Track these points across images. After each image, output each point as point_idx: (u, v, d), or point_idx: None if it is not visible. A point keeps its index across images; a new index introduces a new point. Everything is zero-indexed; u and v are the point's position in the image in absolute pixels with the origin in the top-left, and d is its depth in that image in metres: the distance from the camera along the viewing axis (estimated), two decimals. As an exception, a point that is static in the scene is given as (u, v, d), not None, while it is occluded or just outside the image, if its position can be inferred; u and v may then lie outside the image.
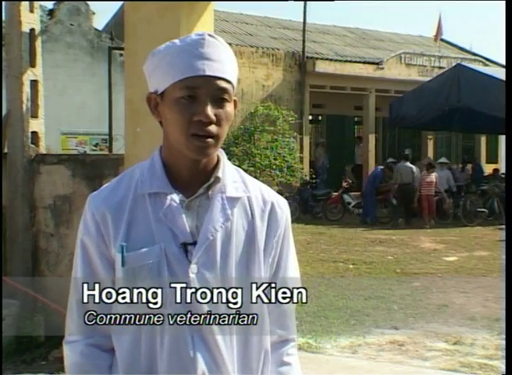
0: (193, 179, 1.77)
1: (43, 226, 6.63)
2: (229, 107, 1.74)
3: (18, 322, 6.19)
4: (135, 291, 1.70)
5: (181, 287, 1.70)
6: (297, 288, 1.86)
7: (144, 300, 1.69)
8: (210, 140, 1.71)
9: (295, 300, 1.88)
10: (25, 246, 6.65)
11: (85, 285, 1.75)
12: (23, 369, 5.75)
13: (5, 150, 6.84)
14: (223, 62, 1.72)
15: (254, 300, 1.77)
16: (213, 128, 1.70)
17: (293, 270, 1.89)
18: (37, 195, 6.67)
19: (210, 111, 1.69)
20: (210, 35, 1.73)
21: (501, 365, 5.76)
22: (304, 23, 22.71)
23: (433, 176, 17.59)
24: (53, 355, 5.91)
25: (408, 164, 18.63)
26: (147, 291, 1.69)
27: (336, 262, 11.73)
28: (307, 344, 6.64)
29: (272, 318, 1.83)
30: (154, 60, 1.77)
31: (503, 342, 5.41)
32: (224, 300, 1.72)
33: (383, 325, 7.45)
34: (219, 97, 1.71)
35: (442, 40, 27.04)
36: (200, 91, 1.69)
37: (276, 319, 1.84)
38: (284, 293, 1.84)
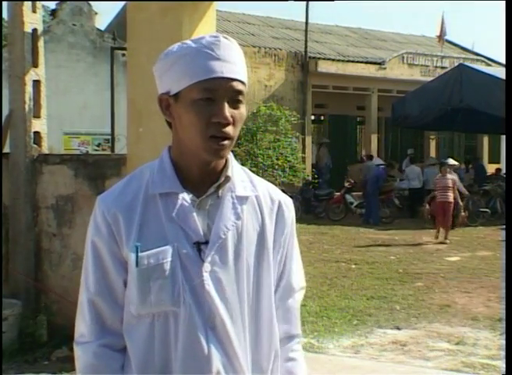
0: (203, 179, 1.79)
1: (45, 226, 6.64)
2: (243, 108, 1.76)
3: (21, 322, 6.20)
4: (148, 291, 1.71)
5: (195, 286, 1.72)
6: (301, 287, 1.94)
7: (158, 299, 1.71)
8: (226, 142, 1.72)
9: (300, 297, 1.93)
10: (27, 246, 6.65)
11: (96, 286, 1.77)
12: (25, 369, 5.75)
13: (7, 150, 6.85)
14: (237, 64, 1.74)
15: (264, 298, 1.81)
16: (230, 129, 1.72)
17: (298, 269, 1.93)
18: (40, 195, 6.68)
19: (228, 112, 1.70)
20: (224, 37, 1.75)
21: (504, 365, 5.76)
22: (307, 23, 22.73)
23: (449, 180, 14.26)
24: (56, 355, 5.92)
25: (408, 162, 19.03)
26: (160, 289, 1.71)
27: (338, 262, 11.73)
28: (310, 344, 6.64)
29: (278, 314, 1.85)
30: (167, 61, 1.76)
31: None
32: (237, 298, 1.75)
33: (385, 325, 7.45)
34: (235, 98, 1.73)
35: (445, 40, 27.03)
36: (218, 93, 1.70)
37: (282, 316, 1.87)
38: (290, 291, 1.89)
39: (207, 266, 1.73)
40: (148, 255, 1.72)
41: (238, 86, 1.72)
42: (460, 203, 14.54)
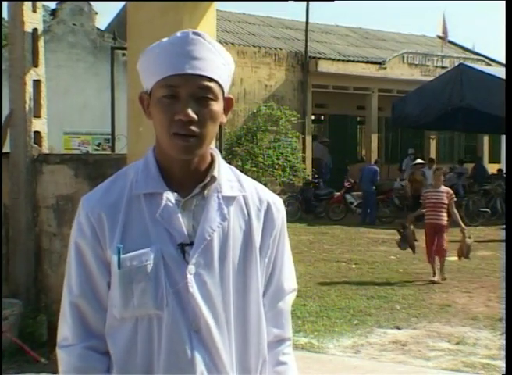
0: (187, 179, 1.75)
1: (45, 226, 6.63)
2: (215, 106, 1.71)
3: (21, 321, 6.20)
4: (131, 294, 1.68)
5: (179, 289, 1.69)
6: (292, 289, 1.89)
7: (141, 302, 1.68)
8: (192, 139, 1.68)
9: (291, 299, 1.89)
10: (28, 246, 6.65)
11: (80, 288, 1.74)
12: (25, 369, 5.75)
13: (7, 150, 6.85)
14: (206, 60, 1.69)
15: (251, 300, 1.77)
16: (194, 127, 1.68)
17: (289, 270, 1.88)
18: (40, 195, 6.68)
19: (190, 110, 1.66)
20: (194, 33, 1.71)
21: (504, 365, 5.76)
22: (307, 22, 22.72)
23: (444, 193, 10.03)
24: (56, 355, 5.91)
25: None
26: (143, 292, 1.68)
27: (338, 261, 11.73)
28: (310, 344, 6.64)
29: (268, 317, 1.82)
30: (143, 60, 1.77)
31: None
32: (222, 301, 1.72)
33: (386, 325, 7.45)
34: (202, 95, 1.69)
35: (447, 40, 27.03)
36: (180, 90, 1.67)
37: (272, 319, 1.83)
38: (280, 293, 1.85)
39: (191, 268, 1.69)
40: (131, 256, 1.69)
41: (203, 82, 1.68)
42: (463, 226, 10.14)
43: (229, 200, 1.77)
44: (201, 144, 1.70)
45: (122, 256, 1.69)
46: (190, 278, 1.69)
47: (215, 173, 1.76)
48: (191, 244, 1.71)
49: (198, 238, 1.71)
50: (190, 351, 1.68)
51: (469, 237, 10.14)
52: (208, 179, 1.76)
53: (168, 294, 1.68)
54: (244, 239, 1.77)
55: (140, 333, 1.69)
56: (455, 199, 10.32)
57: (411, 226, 10.44)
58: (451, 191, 10.19)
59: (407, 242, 10.40)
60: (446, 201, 9.93)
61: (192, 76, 1.67)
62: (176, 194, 1.74)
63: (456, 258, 10.47)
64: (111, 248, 1.70)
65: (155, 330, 1.69)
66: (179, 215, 1.72)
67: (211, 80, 1.69)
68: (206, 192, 1.75)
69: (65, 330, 1.76)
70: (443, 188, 10.12)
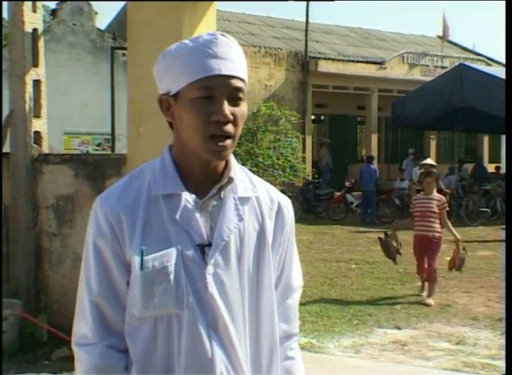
0: (205, 180, 1.77)
1: (46, 226, 6.64)
2: (244, 106, 1.74)
3: (21, 321, 6.20)
4: (152, 294, 1.70)
5: (198, 289, 1.71)
6: (300, 286, 1.95)
7: (162, 303, 1.70)
8: (228, 141, 1.70)
9: (298, 296, 1.94)
10: (28, 246, 6.65)
11: (100, 287, 1.75)
12: (26, 369, 5.76)
13: (7, 150, 6.85)
14: (236, 61, 1.72)
15: (264, 299, 1.81)
16: (230, 127, 1.70)
17: (296, 268, 1.93)
18: (40, 195, 6.68)
19: (227, 110, 1.68)
20: (222, 35, 1.73)
21: (504, 365, 5.75)
22: (307, 22, 22.75)
23: (435, 201, 8.67)
24: (56, 355, 5.92)
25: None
26: (164, 293, 1.70)
27: (338, 261, 11.73)
28: (310, 344, 6.64)
29: (277, 314, 1.85)
30: (165, 61, 1.75)
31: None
32: (239, 300, 1.75)
33: (386, 325, 7.45)
34: (235, 96, 1.71)
35: (447, 40, 27.05)
36: (216, 91, 1.68)
37: (281, 315, 1.87)
38: (289, 290, 1.90)
39: (210, 269, 1.72)
40: (152, 258, 1.70)
41: (237, 83, 1.71)
42: (458, 236, 8.69)
43: (244, 201, 1.80)
44: (233, 146, 1.73)
45: (144, 258, 1.70)
46: (209, 278, 1.72)
47: (232, 174, 1.79)
48: (209, 244, 1.73)
49: (216, 239, 1.74)
50: (209, 350, 1.71)
51: (463, 249, 8.90)
52: (225, 180, 1.78)
53: (188, 294, 1.70)
54: (258, 239, 1.80)
55: (160, 333, 1.71)
56: (447, 208, 9.03)
57: (395, 235, 9.39)
58: (444, 199, 8.89)
59: (388, 252, 9.43)
60: (436, 210, 8.59)
61: (227, 77, 1.69)
62: (193, 195, 1.75)
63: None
64: (131, 249, 1.72)
65: (175, 329, 1.71)
66: (198, 216, 1.74)
67: (242, 80, 1.73)
68: (222, 193, 1.78)
69: (85, 328, 1.77)
70: (435, 195, 8.77)
